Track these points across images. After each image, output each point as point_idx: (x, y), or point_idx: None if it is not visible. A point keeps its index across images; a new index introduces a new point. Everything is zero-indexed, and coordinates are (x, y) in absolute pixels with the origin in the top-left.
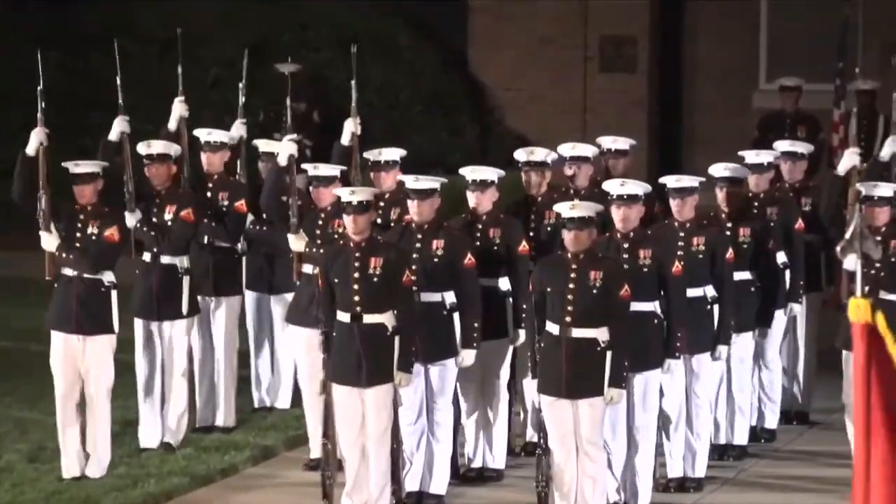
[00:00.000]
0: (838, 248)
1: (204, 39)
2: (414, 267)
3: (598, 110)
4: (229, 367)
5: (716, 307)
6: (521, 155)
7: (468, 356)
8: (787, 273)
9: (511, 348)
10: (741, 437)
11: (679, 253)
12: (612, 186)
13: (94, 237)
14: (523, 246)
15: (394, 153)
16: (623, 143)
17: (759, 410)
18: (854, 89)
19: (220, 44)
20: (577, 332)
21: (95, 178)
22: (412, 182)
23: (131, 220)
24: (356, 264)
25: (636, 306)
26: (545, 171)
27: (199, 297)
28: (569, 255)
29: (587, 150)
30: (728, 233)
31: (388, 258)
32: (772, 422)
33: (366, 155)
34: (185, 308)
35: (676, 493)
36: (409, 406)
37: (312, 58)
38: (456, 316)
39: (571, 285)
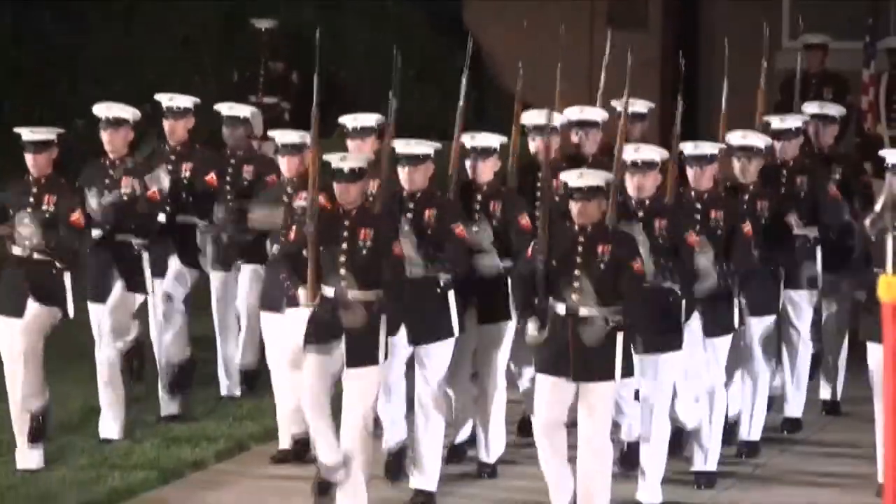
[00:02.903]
0: (867, 221)
1: None
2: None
3: (607, 71)
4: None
5: (734, 286)
6: (529, 119)
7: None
8: (819, 250)
9: (512, 332)
10: (755, 433)
11: (697, 227)
12: (627, 152)
13: (47, 214)
14: (525, 221)
15: (370, 119)
16: (640, 105)
17: (783, 398)
18: (885, 48)
19: (191, 1)
20: (585, 311)
21: (51, 147)
22: (403, 147)
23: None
24: (345, 234)
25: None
26: (555, 137)
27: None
28: (576, 228)
29: (596, 114)
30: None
31: (379, 230)
32: (796, 410)
33: (341, 121)
34: (149, 286)
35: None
36: (394, 391)
37: (292, 14)
38: (451, 294)
39: (579, 260)
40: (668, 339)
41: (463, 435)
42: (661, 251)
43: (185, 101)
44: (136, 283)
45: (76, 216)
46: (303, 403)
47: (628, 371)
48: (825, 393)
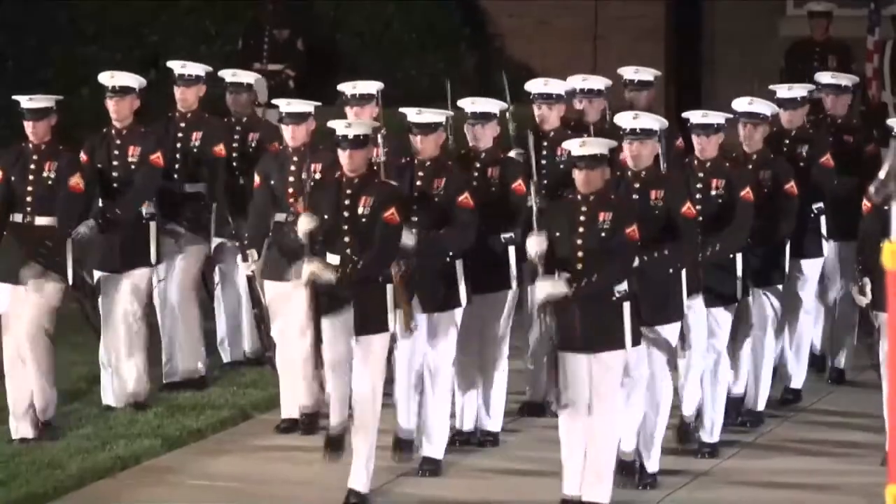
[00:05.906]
0: (871, 189)
1: None
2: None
3: (610, 39)
4: (192, 315)
5: (738, 256)
6: (534, 86)
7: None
8: (823, 219)
9: (513, 301)
10: (759, 403)
11: (697, 196)
12: (625, 120)
13: (49, 181)
14: (518, 184)
15: (370, 86)
16: (647, 73)
17: (785, 368)
18: (890, 14)
19: None
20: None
21: (49, 114)
22: (415, 116)
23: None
24: (346, 202)
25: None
26: (559, 105)
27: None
28: (579, 197)
29: (599, 82)
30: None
31: (376, 197)
32: (798, 381)
33: (340, 88)
34: (153, 256)
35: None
36: (404, 359)
37: None
38: (459, 263)
39: (581, 229)
40: (667, 311)
41: (468, 423)
42: (656, 221)
43: (197, 68)
44: (147, 254)
45: (75, 180)
46: (326, 366)
47: (637, 340)
48: (833, 361)
